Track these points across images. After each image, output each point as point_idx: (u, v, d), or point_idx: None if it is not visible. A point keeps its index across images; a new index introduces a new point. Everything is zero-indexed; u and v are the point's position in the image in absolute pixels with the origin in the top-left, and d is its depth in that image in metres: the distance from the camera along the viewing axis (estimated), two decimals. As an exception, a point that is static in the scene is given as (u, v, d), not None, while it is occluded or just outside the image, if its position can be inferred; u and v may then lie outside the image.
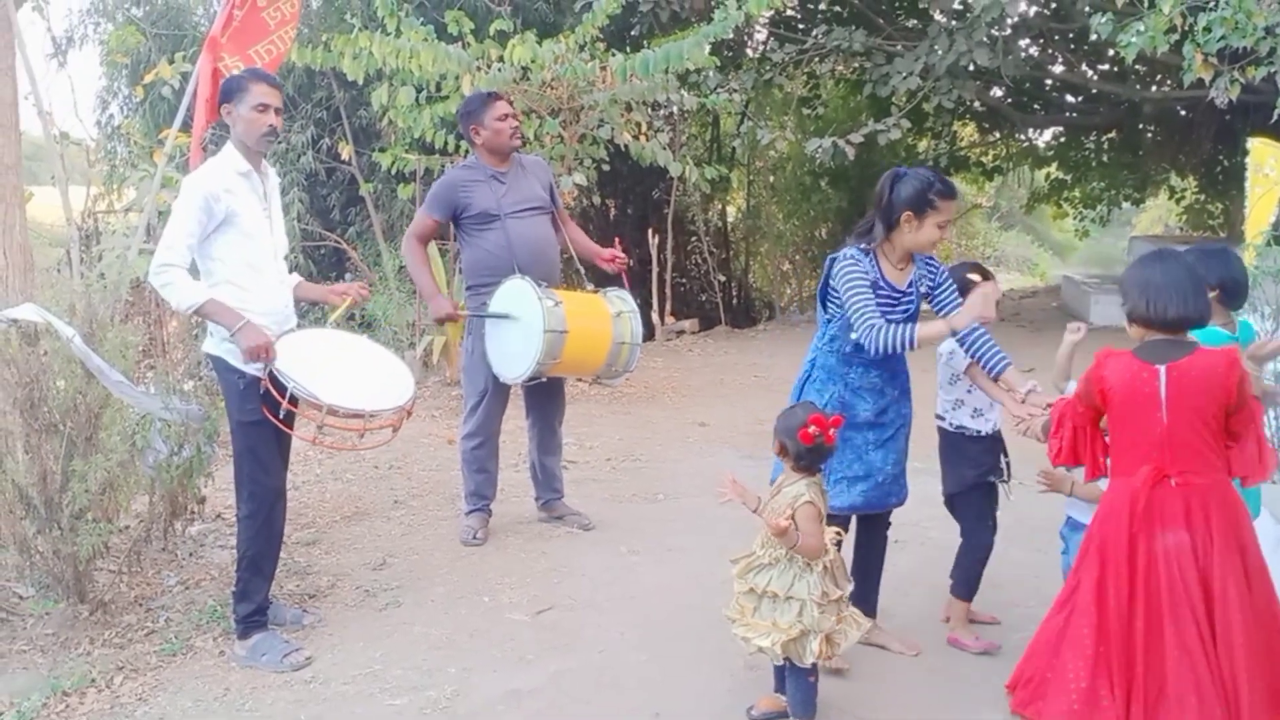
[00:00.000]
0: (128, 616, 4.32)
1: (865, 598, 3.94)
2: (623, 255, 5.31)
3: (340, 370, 4.01)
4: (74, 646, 4.07)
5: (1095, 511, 3.23)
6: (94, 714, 3.62)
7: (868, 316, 3.63)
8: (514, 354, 4.83)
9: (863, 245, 3.78)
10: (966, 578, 4.07)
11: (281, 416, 3.89)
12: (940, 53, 10.67)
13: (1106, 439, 3.21)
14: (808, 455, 3.30)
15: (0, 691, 3.72)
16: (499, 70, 8.01)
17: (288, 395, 3.79)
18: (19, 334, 4.12)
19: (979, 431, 4.02)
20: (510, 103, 5.20)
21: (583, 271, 5.50)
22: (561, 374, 5.08)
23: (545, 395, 5.27)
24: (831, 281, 3.76)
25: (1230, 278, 3.69)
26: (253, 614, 4.03)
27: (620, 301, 5.04)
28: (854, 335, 3.67)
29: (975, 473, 4.02)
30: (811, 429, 3.22)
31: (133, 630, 4.22)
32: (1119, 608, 3.05)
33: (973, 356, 3.84)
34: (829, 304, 3.82)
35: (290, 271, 4.32)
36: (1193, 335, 3.20)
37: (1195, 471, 3.04)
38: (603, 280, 5.32)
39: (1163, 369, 3.03)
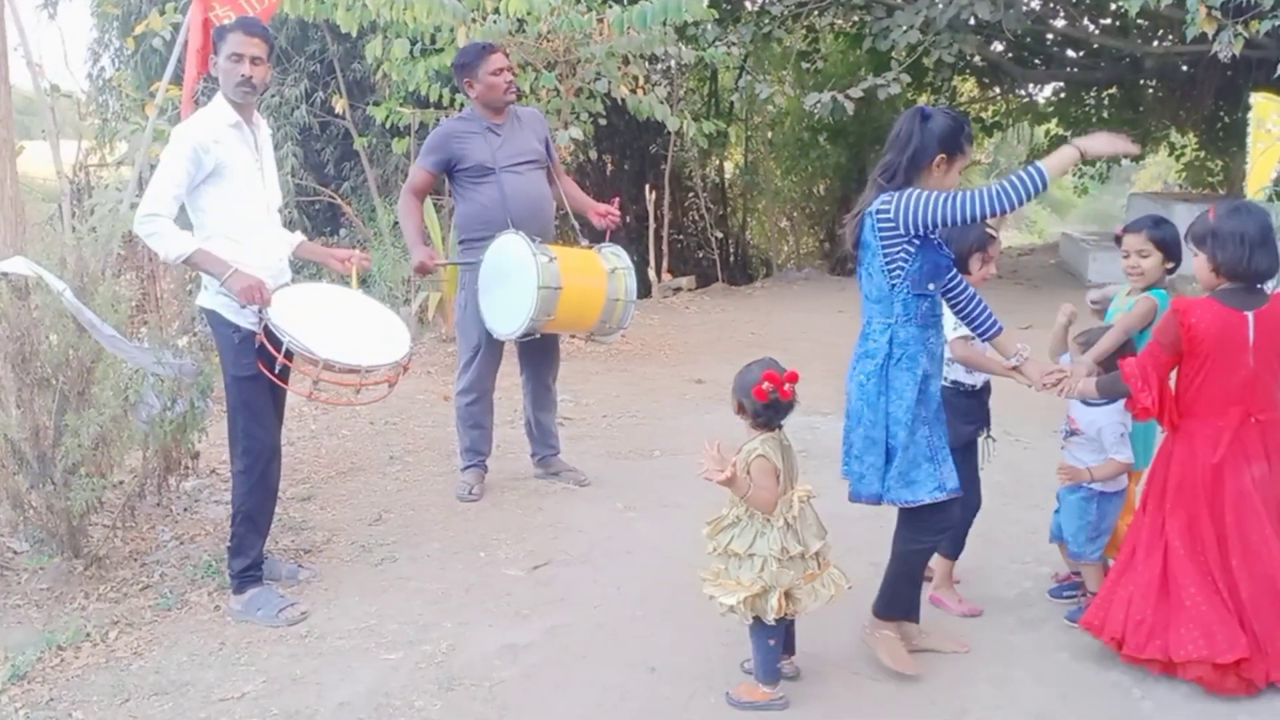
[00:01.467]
0: (122, 571, 4.32)
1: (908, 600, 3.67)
2: (616, 212, 5.26)
3: (336, 325, 3.98)
4: (69, 601, 4.07)
5: (1166, 452, 3.48)
6: (89, 668, 3.62)
7: (968, 197, 3.14)
8: (507, 310, 4.80)
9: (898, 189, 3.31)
10: (954, 535, 4.03)
11: (277, 371, 3.86)
12: (941, 6, 10.56)
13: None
14: (765, 412, 3.24)
15: (-5, 646, 3.72)
16: (494, 22, 7.91)
17: (283, 350, 3.77)
18: (10, 288, 4.10)
19: (973, 385, 3.96)
20: (506, 55, 5.12)
21: (577, 227, 5.45)
22: (555, 330, 5.04)
23: (539, 351, 5.24)
24: (893, 226, 3.24)
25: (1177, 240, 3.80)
26: (248, 569, 4.02)
27: (615, 258, 5.00)
28: (979, 210, 3.13)
29: (971, 428, 3.95)
30: (765, 385, 3.16)
31: (127, 585, 4.22)
32: (1211, 539, 3.36)
33: (962, 318, 3.60)
34: (893, 261, 3.29)
35: (286, 226, 4.28)
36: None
37: (1270, 409, 3.38)
38: (598, 236, 5.27)
39: (1251, 315, 3.30)
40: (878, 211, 3.29)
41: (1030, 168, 3.15)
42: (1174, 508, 3.42)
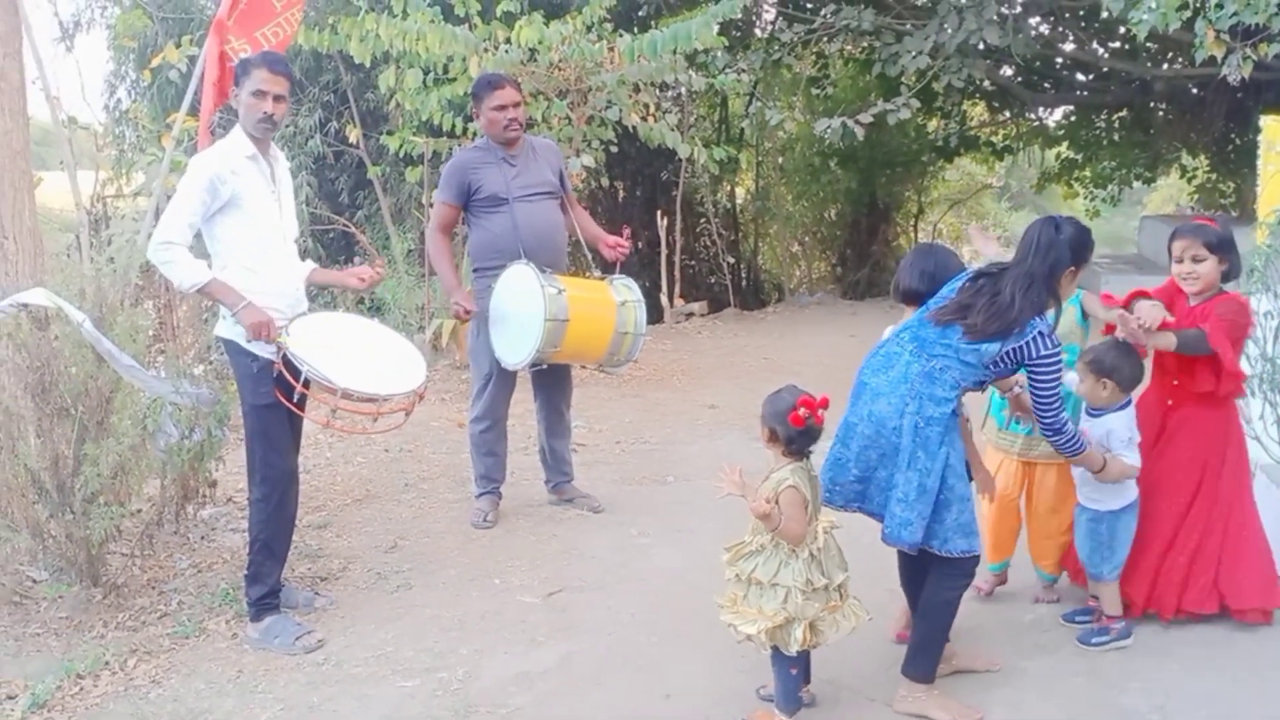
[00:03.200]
0: (140, 600, 4.35)
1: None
2: (626, 244, 5.26)
3: (353, 354, 4.01)
4: (87, 629, 4.10)
5: (1237, 425, 4.01)
6: (108, 696, 3.64)
7: (1064, 420, 3.49)
8: (515, 340, 4.84)
9: (1042, 315, 3.36)
10: None
11: (295, 400, 3.89)
12: (950, 31, 10.59)
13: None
14: (799, 439, 3.23)
15: (15, 674, 3.75)
16: (506, 52, 7.97)
17: (301, 378, 3.80)
18: (30, 319, 4.14)
19: None
20: (517, 90, 5.12)
21: (590, 257, 5.47)
22: (562, 361, 5.07)
23: (552, 379, 5.26)
24: (1032, 360, 3.35)
25: None
26: (265, 596, 4.04)
27: (626, 290, 5.02)
28: (1054, 433, 3.48)
29: None
30: (801, 411, 3.15)
31: (145, 613, 4.25)
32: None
33: None
34: (999, 364, 3.37)
35: (299, 256, 4.32)
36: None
37: None
38: (610, 266, 5.30)
39: None
40: (1048, 339, 3.32)
41: (1078, 443, 3.56)
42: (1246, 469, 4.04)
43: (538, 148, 5.22)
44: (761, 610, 3.23)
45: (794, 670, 3.31)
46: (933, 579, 3.47)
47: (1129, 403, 3.85)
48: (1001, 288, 3.33)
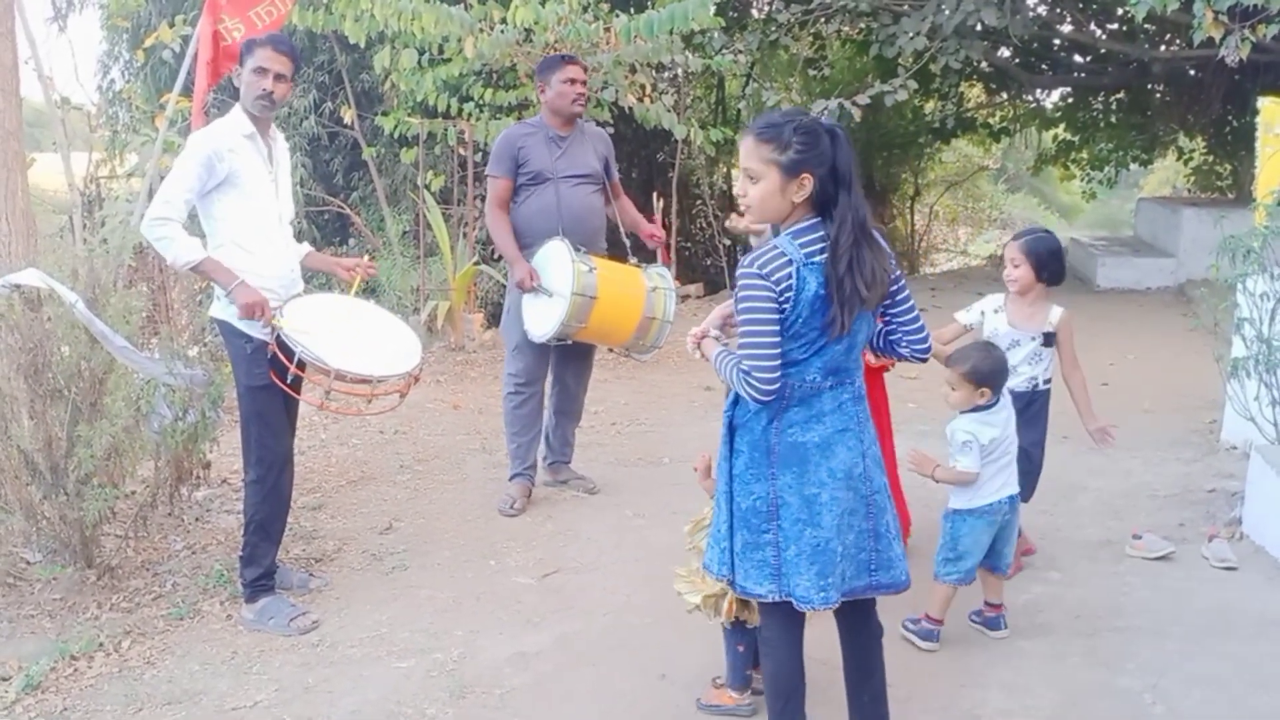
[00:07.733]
0: (135, 581, 4.34)
1: None
2: (661, 233, 5.30)
3: (348, 335, 3.99)
4: (81, 611, 4.09)
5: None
6: (102, 677, 3.63)
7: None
8: (542, 312, 4.85)
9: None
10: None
11: (289, 381, 3.88)
12: (947, 12, 10.57)
13: None
14: None
15: (9, 655, 3.73)
16: (501, 32, 7.94)
17: (295, 360, 3.78)
18: (22, 299, 4.11)
19: None
20: (585, 71, 5.17)
21: (628, 245, 5.44)
22: (588, 340, 5.06)
23: (573, 359, 5.25)
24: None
25: None
26: (260, 578, 4.04)
27: (659, 278, 5.04)
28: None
29: None
30: None
31: (140, 595, 4.24)
32: None
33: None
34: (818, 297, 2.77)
35: (295, 237, 4.30)
36: None
37: None
38: (648, 257, 5.30)
39: None
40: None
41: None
42: None
43: (589, 133, 5.22)
44: (704, 580, 3.24)
45: (741, 647, 3.32)
46: (793, 645, 2.95)
47: (992, 404, 3.66)
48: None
